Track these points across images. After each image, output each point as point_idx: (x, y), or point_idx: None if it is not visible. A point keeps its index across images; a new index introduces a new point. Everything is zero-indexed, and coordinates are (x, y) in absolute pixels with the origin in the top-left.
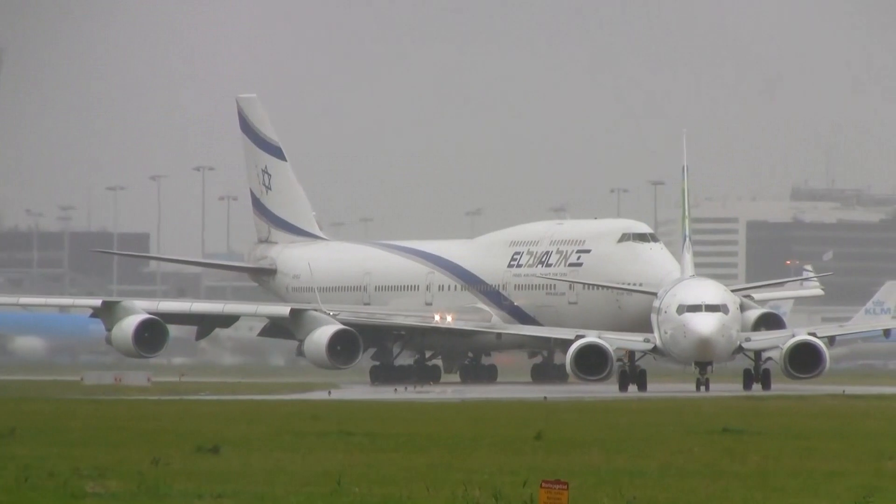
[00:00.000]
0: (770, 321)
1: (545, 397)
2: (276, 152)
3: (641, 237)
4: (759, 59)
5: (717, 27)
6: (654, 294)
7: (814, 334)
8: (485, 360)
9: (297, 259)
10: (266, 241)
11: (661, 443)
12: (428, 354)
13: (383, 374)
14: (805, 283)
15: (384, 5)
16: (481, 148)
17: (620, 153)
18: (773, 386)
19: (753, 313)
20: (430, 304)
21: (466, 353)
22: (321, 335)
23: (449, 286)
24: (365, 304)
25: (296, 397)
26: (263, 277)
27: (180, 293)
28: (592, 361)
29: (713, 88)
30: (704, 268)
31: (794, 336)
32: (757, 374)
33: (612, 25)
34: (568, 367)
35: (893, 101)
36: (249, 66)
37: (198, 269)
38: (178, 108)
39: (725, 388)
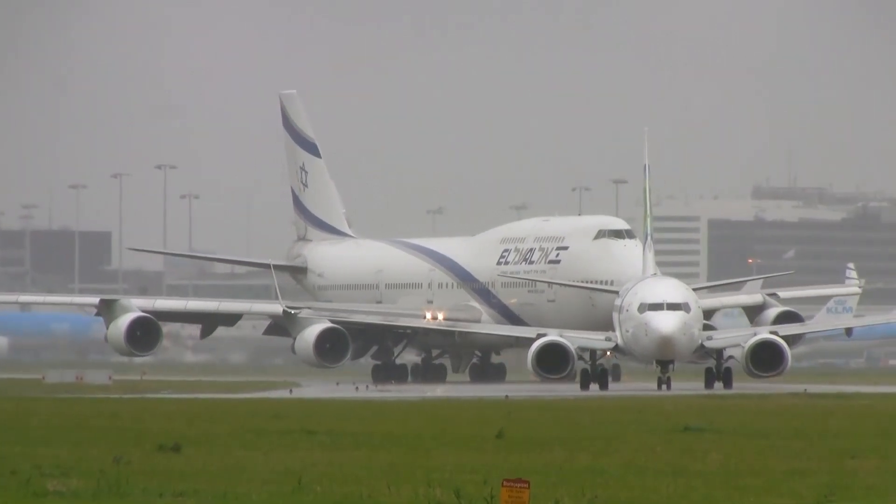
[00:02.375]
0: (789, 319)
1: (506, 395)
2: (313, 149)
3: (617, 234)
4: (720, 58)
5: (678, 26)
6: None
7: (775, 333)
8: (494, 360)
9: (323, 257)
10: (303, 238)
11: (623, 441)
12: (435, 353)
13: (385, 373)
14: (847, 281)
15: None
16: (443, 145)
17: (583, 151)
18: (734, 384)
19: (773, 311)
20: (432, 302)
21: (473, 352)
22: (309, 333)
23: (447, 284)
24: (377, 301)
25: (257, 395)
26: (298, 276)
27: (142, 291)
28: (554, 360)
29: (675, 87)
30: (666, 266)
31: (755, 335)
32: (718, 372)
33: (574, 24)
34: (529, 366)
35: (855, 100)
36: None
37: (159, 268)
38: (138, 107)
39: (687, 386)
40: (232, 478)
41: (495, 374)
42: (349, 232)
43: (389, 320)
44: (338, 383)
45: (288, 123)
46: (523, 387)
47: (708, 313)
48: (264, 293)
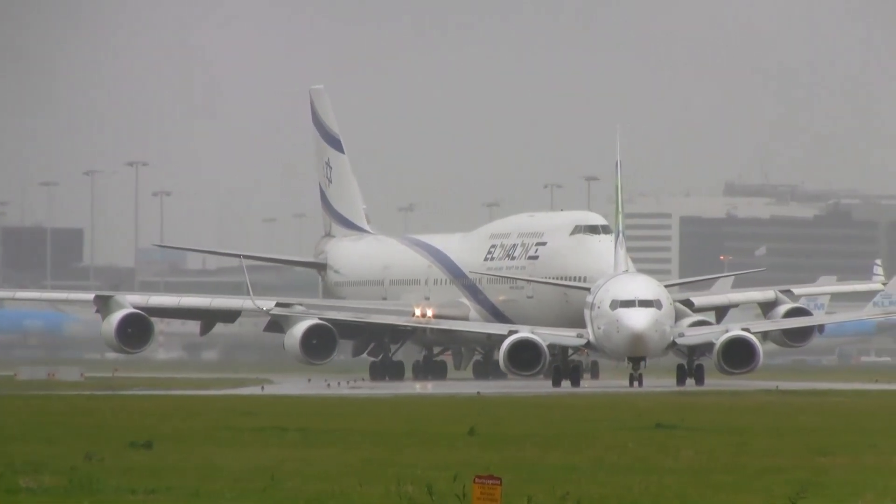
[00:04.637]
0: (798, 315)
1: (478, 392)
2: (337, 145)
3: (592, 229)
4: (693, 57)
5: (652, 25)
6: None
7: (747, 330)
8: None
9: (341, 254)
10: (328, 234)
11: (595, 438)
12: (437, 350)
13: (382, 370)
14: (874, 276)
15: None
16: (415, 142)
17: (554, 149)
18: (706, 381)
19: (784, 307)
20: (429, 299)
21: (474, 349)
22: (297, 330)
23: (442, 280)
24: (383, 298)
25: (229, 392)
26: (321, 272)
27: (114, 288)
28: (526, 357)
29: (647, 84)
30: (638, 263)
31: (727, 331)
32: (690, 369)
33: (545, 21)
34: (501, 363)
35: (827, 97)
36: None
37: (130, 265)
38: (113, 103)
39: (659, 383)
40: (204, 475)
41: (498, 370)
42: (368, 228)
43: (360, 317)
44: (309, 380)
45: (316, 119)
46: (502, 383)
47: (722, 310)
48: (236, 289)
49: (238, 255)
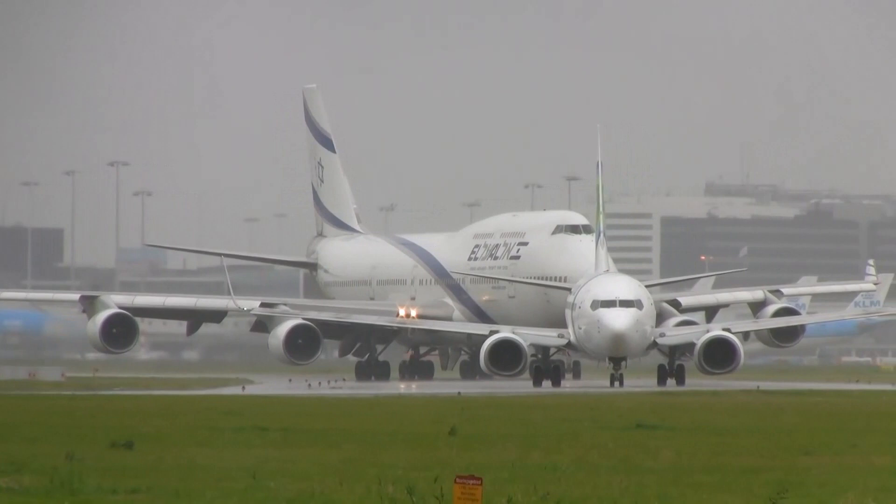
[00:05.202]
0: (788, 314)
1: (459, 392)
2: (328, 144)
3: (573, 229)
4: (673, 57)
5: (631, 24)
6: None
7: (728, 330)
8: None
9: (331, 253)
10: (320, 234)
11: (575, 438)
12: (423, 350)
13: (368, 370)
14: (867, 276)
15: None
16: (395, 142)
17: (535, 149)
18: (687, 381)
19: (772, 307)
20: (414, 299)
21: (461, 349)
22: (280, 330)
23: (427, 280)
24: (371, 298)
25: (210, 392)
26: (313, 272)
27: (94, 288)
28: (507, 357)
29: (627, 84)
30: (619, 263)
31: (708, 332)
32: (671, 369)
33: (526, 21)
34: (482, 363)
35: (807, 97)
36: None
37: (111, 265)
38: (94, 104)
39: (639, 383)
40: (185, 475)
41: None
42: (358, 228)
43: (341, 317)
44: (290, 380)
45: (309, 118)
46: (487, 384)
47: (712, 310)
48: (218, 290)
49: (236, 256)
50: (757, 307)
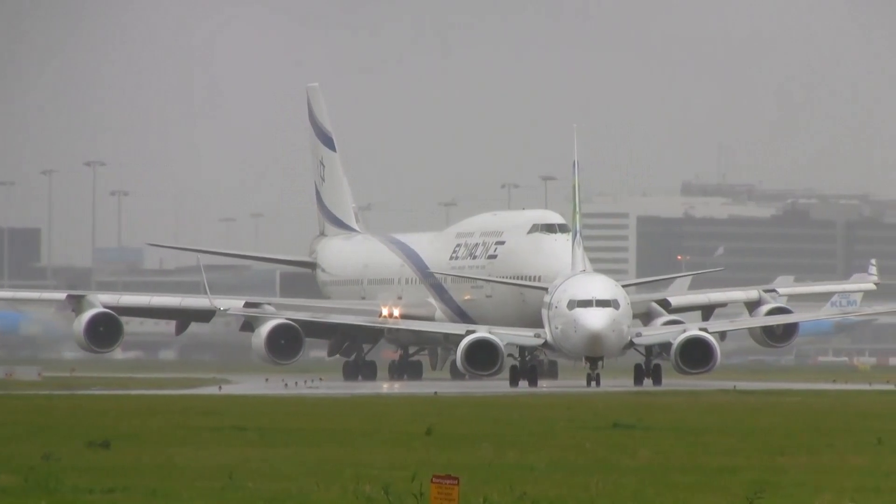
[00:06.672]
0: (781, 313)
1: (435, 392)
2: (330, 143)
3: (549, 228)
4: (649, 56)
5: (607, 23)
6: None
7: (705, 329)
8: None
9: (329, 253)
10: (321, 234)
11: (552, 438)
12: (412, 350)
13: (355, 370)
14: (867, 276)
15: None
16: (371, 142)
17: (511, 148)
18: (663, 381)
19: (766, 307)
20: (401, 298)
21: (450, 349)
22: (262, 330)
23: (412, 279)
24: (362, 297)
25: (187, 392)
26: (313, 272)
27: (72, 288)
28: (483, 357)
29: (604, 84)
30: (595, 263)
31: (685, 331)
32: (648, 369)
33: (504, 19)
34: (458, 363)
35: (783, 96)
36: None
37: (88, 265)
38: (70, 103)
39: (616, 383)
40: (162, 474)
41: None
42: (357, 227)
43: (318, 317)
44: (266, 380)
45: (312, 117)
46: (468, 384)
47: (709, 309)
48: (194, 289)
49: (236, 256)
50: (752, 306)
